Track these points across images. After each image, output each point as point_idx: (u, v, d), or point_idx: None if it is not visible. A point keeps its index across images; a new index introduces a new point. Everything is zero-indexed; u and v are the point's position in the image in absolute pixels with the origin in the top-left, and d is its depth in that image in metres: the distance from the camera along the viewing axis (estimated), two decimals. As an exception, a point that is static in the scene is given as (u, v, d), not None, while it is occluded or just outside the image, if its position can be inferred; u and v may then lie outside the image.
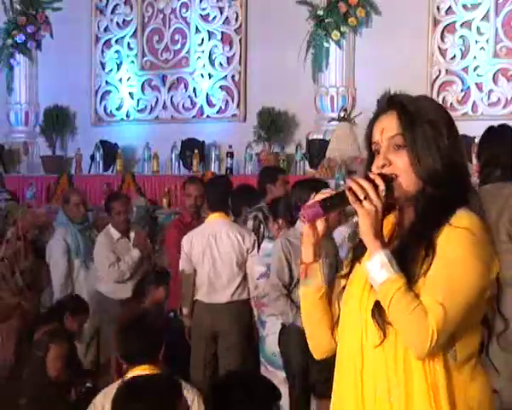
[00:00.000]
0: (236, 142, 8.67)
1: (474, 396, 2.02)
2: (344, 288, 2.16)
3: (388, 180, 2.03)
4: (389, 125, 2.06)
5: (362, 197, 1.99)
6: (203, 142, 8.94)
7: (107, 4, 9.72)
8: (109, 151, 9.22)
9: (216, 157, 8.82)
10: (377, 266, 1.96)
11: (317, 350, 2.25)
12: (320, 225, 2.10)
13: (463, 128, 8.94)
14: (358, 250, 2.11)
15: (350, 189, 2.00)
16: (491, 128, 4.27)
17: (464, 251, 1.95)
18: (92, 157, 9.19)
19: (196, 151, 8.78)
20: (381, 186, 2.00)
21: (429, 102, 2.13)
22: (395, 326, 1.95)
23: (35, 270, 6.52)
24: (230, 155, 8.67)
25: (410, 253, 1.98)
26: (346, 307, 2.13)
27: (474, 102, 8.06)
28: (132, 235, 6.38)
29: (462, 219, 1.98)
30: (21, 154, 9.78)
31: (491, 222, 3.72)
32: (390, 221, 2.13)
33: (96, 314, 6.12)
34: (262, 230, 5.73)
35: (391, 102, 2.10)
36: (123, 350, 3.80)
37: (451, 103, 8.13)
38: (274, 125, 8.51)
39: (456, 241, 1.96)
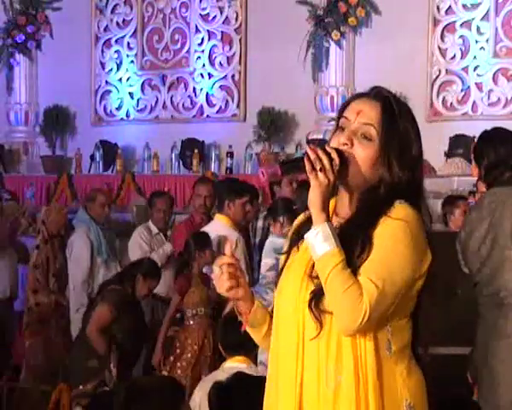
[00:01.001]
0: (236, 142, 8.68)
1: (411, 389, 2.05)
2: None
3: (344, 158, 2.03)
4: (368, 112, 2.06)
5: (318, 168, 1.99)
6: (203, 142, 8.95)
7: (107, 4, 9.72)
8: (109, 151, 9.22)
9: (216, 157, 8.82)
10: (320, 238, 1.97)
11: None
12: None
13: (463, 128, 8.88)
14: (298, 236, 2.11)
15: (307, 157, 2.00)
16: (486, 131, 4.21)
17: (399, 241, 1.99)
18: (92, 157, 9.20)
19: (196, 151, 8.78)
20: (336, 161, 2.01)
21: (410, 114, 2.13)
22: (329, 300, 1.97)
23: (65, 269, 6.54)
24: (230, 154, 8.68)
25: (347, 245, 2.00)
26: (282, 296, 2.12)
27: (474, 102, 8.06)
28: (170, 234, 6.47)
29: (400, 210, 2.01)
30: (21, 154, 9.78)
31: (504, 229, 3.70)
32: (330, 205, 2.13)
33: None
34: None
35: (379, 94, 2.10)
36: (224, 341, 4.08)
37: (451, 103, 8.14)
38: (274, 124, 8.52)
39: (392, 231, 1.99)
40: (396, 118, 2.07)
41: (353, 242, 2.00)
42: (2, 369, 6.24)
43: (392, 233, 2.00)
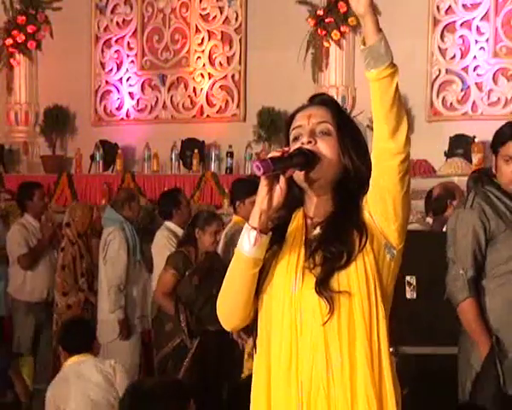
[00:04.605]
0: (236, 142, 8.67)
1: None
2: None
3: (316, 155, 2.09)
4: (318, 114, 2.15)
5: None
6: (203, 142, 8.94)
7: (107, 4, 9.72)
8: (109, 151, 9.22)
9: (216, 157, 8.82)
10: (386, 43, 1.99)
11: (232, 320, 2.20)
12: (277, 194, 2.06)
13: (463, 128, 8.85)
14: (275, 233, 2.13)
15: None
16: None
17: None
18: (92, 157, 9.20)
19: (196, 151, 8.78)
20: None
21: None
22: (397, 103, 1.98)
23: (93, 268, 6.49)
24: (230, 154, 8.68)
25: (343, 235, 2.07)
26: (273, 292, 2.12)
27: (473, 102, 8.05)
28: None
29: None
30: (21, 154, 9.78)
31: None
32: (299, 216, 2.18)
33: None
34: None
35: (323, 100, 2.21)
36: (66, 343, 4.47)
37: (451, 103, 8.14)
38: (274, 125, 8.51)
39: None
40: (342, 112, 2.20)
41: (349, 231, 2.07)
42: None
43: None
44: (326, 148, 2.11)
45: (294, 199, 2.16)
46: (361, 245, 2.06)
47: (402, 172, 2.02)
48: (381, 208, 2.07)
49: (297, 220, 2.17)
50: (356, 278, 2.05)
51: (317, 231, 2.14)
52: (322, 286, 2.04)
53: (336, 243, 2.07)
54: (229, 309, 2.18)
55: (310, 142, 2.11)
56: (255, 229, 2.06)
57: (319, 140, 2.12)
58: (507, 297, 3.54)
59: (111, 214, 6.50)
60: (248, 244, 2.07)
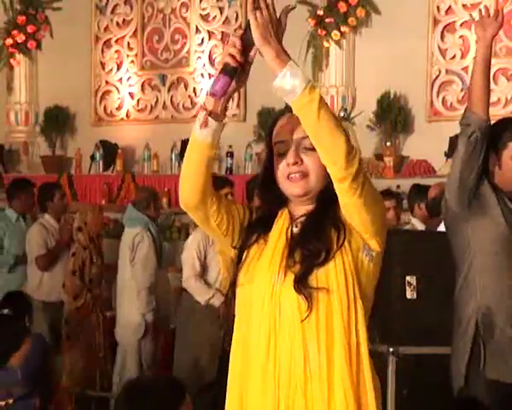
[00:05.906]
0: (236, 142, 8.66)
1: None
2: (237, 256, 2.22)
3: None
4: (299, 126, 2.15)
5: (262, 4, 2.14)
6: (203, 142, 8.94)
7: (107, 4, 9.73)
8: (109, 151, 9.22)
9: (216, 157, 8.81)
10: (293, 76, 2.06)
11: (191, 198, 2.25)
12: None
13: (463, 128, 8.58)
14: (260, 227, 2.20)
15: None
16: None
17: None
18: (92, 157, 9.20)
19: (196, 151, 8.78)
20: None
21: None
22: (324, 132, 1.99)
23: (104, 274, 6.47)
24: (230, 154, 8.68)
25: (321, 233, 2.11)
26: (254, 286, 2.15)
27: (473, 102, 8.04)
28: None
29: None
30: (21, 154, 9.78)
31: None
32: (285, 213, 2.23)
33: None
34: None
35: None
36: None
37: (451, 103, 8.14)
38: (274, 125, 8.51)
39: None
40: None
41: (327, 228, 2.11)
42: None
43: None
44: (313, 164, 2.15)
45: (278, 198, 2.23)
46: (339, 243, 2.09)
47: (356, 189, 2.03)
48: (350, 219, 2.12)
49: (283, 218, 2.22)
50: (335, 275, 2.08)
51: (297, 228, 2.19)
52: (301, 283, 2.07)
53: (314, 240, 2.11)
54: (188, 187, 2.24)
55: (296, 162, 2.15)
56: (206, 110, 2.14)
57: (305, 157, 2.16)
58: (495, 277, 3.56)
59: (133, 214, 6.41)
60: (198, 124, 2.16)
